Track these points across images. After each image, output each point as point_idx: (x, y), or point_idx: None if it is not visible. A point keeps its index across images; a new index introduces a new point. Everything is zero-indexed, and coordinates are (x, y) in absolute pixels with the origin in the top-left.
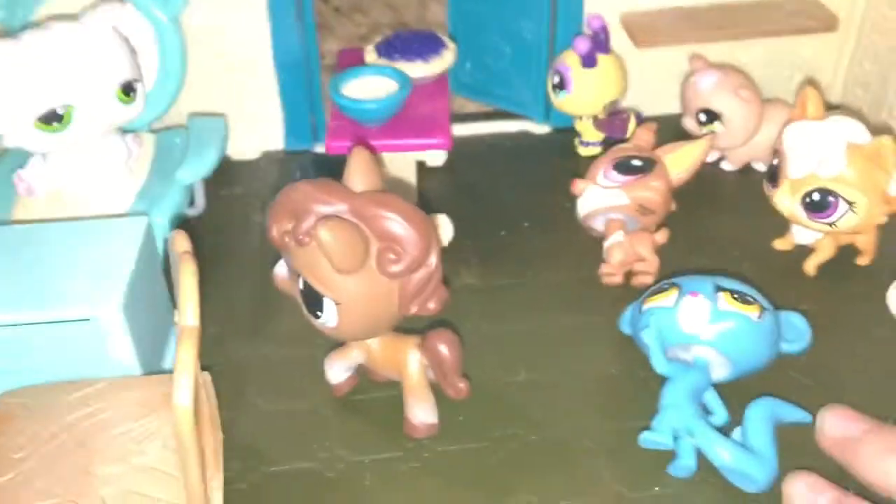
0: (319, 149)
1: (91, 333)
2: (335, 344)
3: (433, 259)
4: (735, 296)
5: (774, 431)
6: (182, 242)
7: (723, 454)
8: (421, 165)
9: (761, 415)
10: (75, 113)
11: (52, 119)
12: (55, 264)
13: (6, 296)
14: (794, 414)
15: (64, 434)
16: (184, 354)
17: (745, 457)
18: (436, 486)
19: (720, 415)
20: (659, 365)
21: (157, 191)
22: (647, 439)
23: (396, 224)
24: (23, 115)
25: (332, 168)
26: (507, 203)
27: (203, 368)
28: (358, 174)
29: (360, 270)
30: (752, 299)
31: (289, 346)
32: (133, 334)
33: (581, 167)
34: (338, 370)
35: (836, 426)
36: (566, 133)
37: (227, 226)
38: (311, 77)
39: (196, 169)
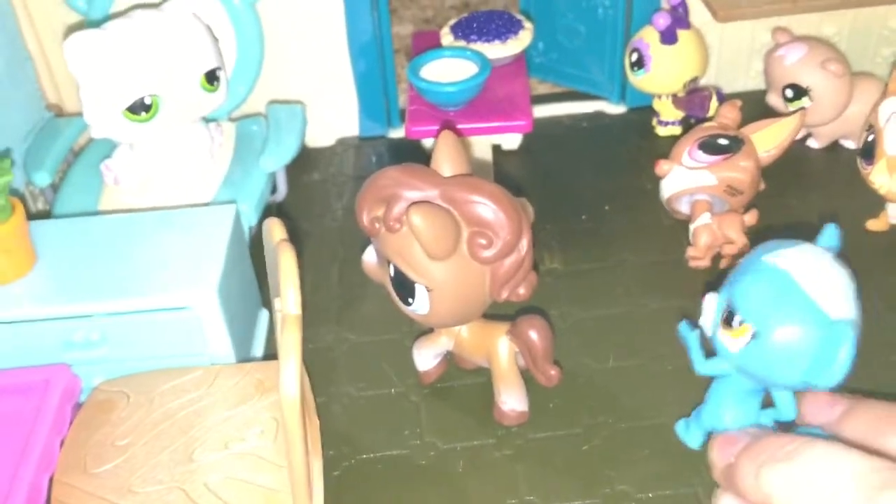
0: (394, 134)
1: (187, 321)
2: (421, 329)
3: (524, 244)
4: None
5: None
6: (278, 231)
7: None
8: (496, 149)
9: None
10: (161, 102)
11: (139, 109)
12: (149, 253)
13: (102, 285)
14: None
15: (166, 422)
16: (289, 343)
17: None
18: (528, 473)
19: (786, 411)
20: (698, 364)
21: (241, 178)
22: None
23: (487, 209)
24: (111, 106)
25: (407, 153)
26: (586, 186)
27: None
28: (446, 159)
29: (451, 256)
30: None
31: (375, 331)
32: (227, 320)
33: (660, 147)
34: (426, 357)
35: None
36: (643, 112)
37: (309, 212)
38: (384, 62)
39: (279, 156)
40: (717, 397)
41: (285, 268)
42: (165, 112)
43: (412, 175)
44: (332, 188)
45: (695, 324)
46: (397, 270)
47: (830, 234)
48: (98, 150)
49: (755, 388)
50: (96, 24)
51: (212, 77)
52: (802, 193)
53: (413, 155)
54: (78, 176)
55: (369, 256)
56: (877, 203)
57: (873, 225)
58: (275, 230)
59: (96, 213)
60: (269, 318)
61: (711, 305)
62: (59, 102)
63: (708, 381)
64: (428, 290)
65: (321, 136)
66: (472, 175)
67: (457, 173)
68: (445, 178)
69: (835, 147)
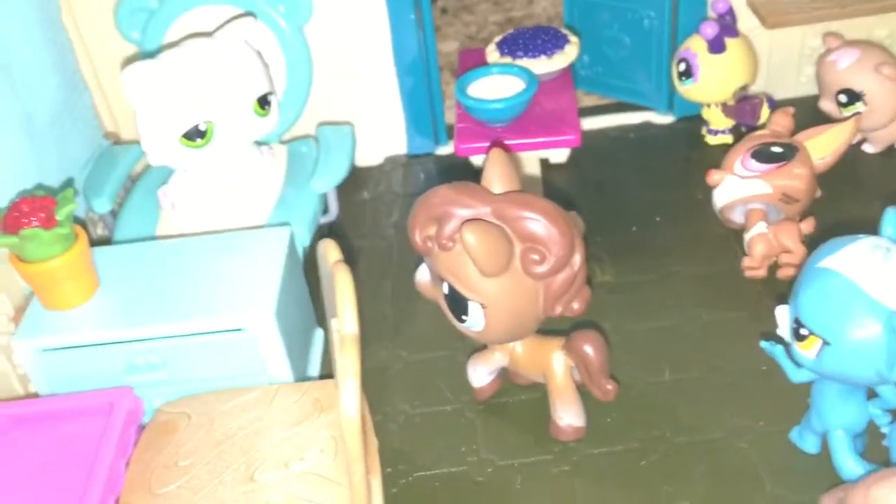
0: (441, 151)
1: (245, 342)
2: (473, 345)
3: (577, 259)
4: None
5: None
6: (333, 252)
7: (846, 471)
8: (544, 163)
9: None
10: (216, 128)
11: (195, 135)
12: (208, 276)
13: (163, 309)
14: None
15: (226, 442)
16: (348, 363)
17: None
18: (587, 489)
19: (890, 398)
20: (791, 374)
21: (293, 200)
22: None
23: (539, 224)
24: (168, 134)
25: (455, 170)
26: (635, 197)
27: None
28: (496, 176)
29: (505, 272)
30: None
31: (428, 348)
32: (284, 341)
33: (710, 156)
34: (481, 374)
35: None
36: (691, 121)
37: (359, 230)
38: (430, 79)
39: (330, 177)
40: (821, 400)
41: (342, 288)
42: (220, 137)
43: (463, 193)
44: (382, 206)
45: (775, 337)
46: (451, 288)
47: (891, 219)
48: (154, 176)
49: (851, 387)
50: (150, 54)
51: (264, 102)
52: (859, 199)
53: (461, 172)
54: (136, 202)
55: (422, 275)
56: None
57: None
58: (330, 251)
59: (154, 237)
60: (324, 336)
61: (784, 317)
62: (115, 130)
63: (762, 391)
64: (482, 307)
65: (369, 155)
66: (523, 191)
67: (508, 190)
68: (497, 195)
69: (890, 151)
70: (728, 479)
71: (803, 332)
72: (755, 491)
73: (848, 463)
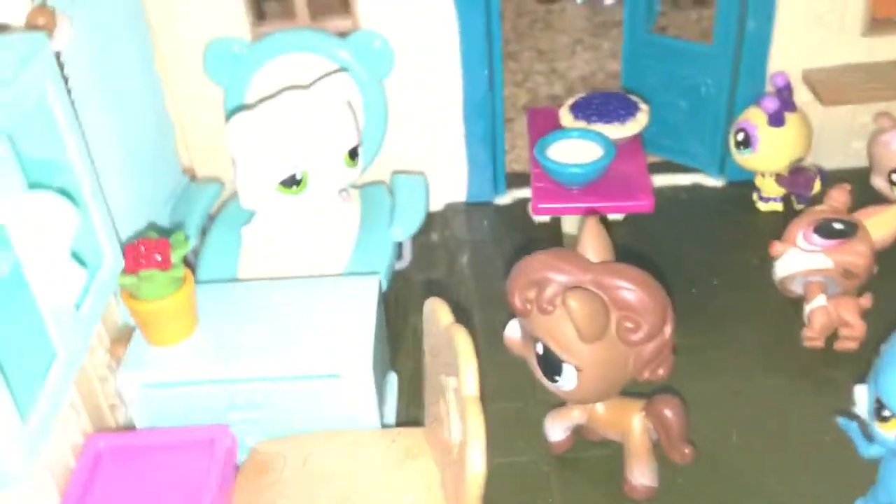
0: (499, 201)
1: (338, 387)
2: (546, 398)
3: (668, 329)
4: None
5: None
6: (445, 314)
7: None
8: (602, 218)
9: None
10: (310, 177)
11: (291, 183)
12: (302, 320)
13: (261, 349)
14: None
15: (322, 483)
16: (473, 423)
17: None
18: None
19: None
20: (863, 450)
21: (371, 246)
22: None
23: (635, 295)
24: (265, 181)
25: (516, 220)
26: (691, 259)
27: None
28: (591, 244)
29: (601, 339)
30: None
31: (501, 398)
32: (375, 388)
33: (762, 221)
34: (558, 429)
35: None
36: (741, 186)
37: (433, 274)
38: (495, 129)
39: (407, 225)
40: (889, 475)
41: (463, 350)
42: (313, 185)
43: (563, 260)
44: (450, 249)
45: (850, 414)
46: (546, 349)
47: None
48: (232, 214)
49: None
50: (234, 96)
51: (354, 154)
52: None
53: (520, 221)
54: (217, 240)
55: (512, 331)
56: None
57: None
58: (442, 313)
59: (235, 276)
60: (398, 381)
61: (863, 397)
62: (191, 166)
63: (828, 461)
64: (577, 370)
65: (431, 201)
66: (617, 262)
67: (602, 259)
68: (593, 264)
69: None
70: None
71: (886, 413)
72: None
73: None
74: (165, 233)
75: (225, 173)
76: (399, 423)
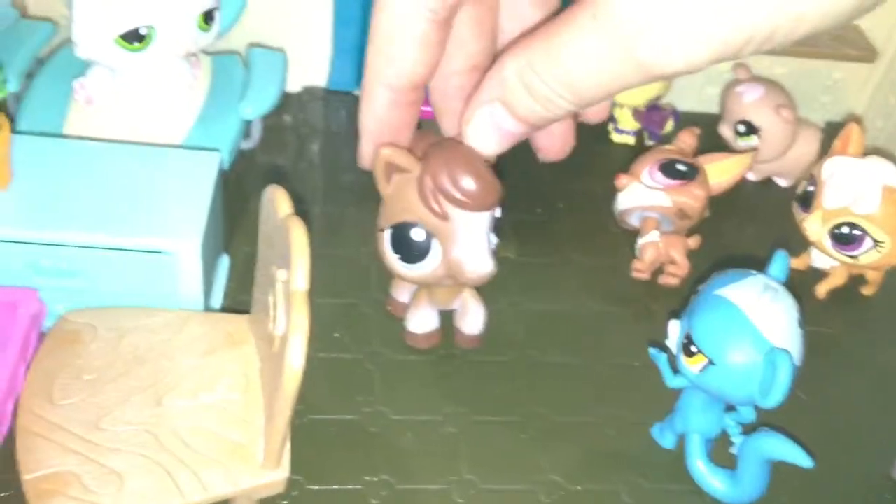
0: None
1: (163, 264)
2: (378, 296)
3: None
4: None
5: (768, 468)
6: (285, 203)
7: (695, 468)
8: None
9: (755, 449)
10: (156, 35)
11: (133, 38)
12: (132, 189)
13: (81, 213)
14: (794, 455)
15: (135, 361)
16: (298, 318)
17: (718, 485)
18: (471, 453)
19: (746, 414)
20: (668, 380)
21: (216, 120)
22: (653, 435)
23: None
24: (105, 31)
25: None
26: (540, 180)
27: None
28: None
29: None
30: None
31: (332, 294)
32: (203, 269)
33: (613, 153)
34: (422, 317)
35: None
36: None
37: (280, 157)
38: (366, 13)
39: (259, 104)
40: (686, 405)
41: (297, 244)
42: (158, 45)
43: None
44: (299, 137)
45: (661, 345)
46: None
47: (781, 263)
48: (64, 62)
49: (717, 400)
50: None
51: (209, 17)
52: (736, 223)
53: None
54: (43, 89)
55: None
56: (801, 243)
57: (795, 263)
58: (280, 202)
59: (62, 131)
60: (229, 266)
61: (675, 331)
62: (22, 1)
63: (636, 387)
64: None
65: (288, 82)
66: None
67: None
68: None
69: (768, 182)
70: (594, 461)
71: (693, 349)
72: (615, 474)
73: (698, 463)
74: None
75: (61, 14)
76: (225, 309)
